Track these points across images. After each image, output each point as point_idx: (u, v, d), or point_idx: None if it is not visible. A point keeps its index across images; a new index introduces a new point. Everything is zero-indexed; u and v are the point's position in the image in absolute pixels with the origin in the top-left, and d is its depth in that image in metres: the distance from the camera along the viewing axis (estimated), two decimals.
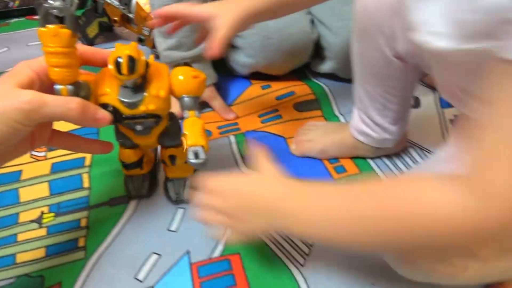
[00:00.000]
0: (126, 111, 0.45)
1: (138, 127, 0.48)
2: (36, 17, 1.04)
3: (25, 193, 0.61)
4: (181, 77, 0.47)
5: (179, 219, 0.58)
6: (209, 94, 0.74)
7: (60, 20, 0.95)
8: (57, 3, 0.87)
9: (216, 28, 0.50)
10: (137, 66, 0.41)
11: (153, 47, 0.84)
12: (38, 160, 0.67)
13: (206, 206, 0.44)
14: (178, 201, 0.58)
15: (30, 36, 0.97)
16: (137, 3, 0.77)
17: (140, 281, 0.50)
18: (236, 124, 0.73)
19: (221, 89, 0.80)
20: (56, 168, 0.65)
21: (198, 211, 0.45)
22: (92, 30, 0.90)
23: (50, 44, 0.38)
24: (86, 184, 0.63)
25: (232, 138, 0.70)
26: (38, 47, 0.90)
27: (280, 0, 0.53)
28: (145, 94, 0.44)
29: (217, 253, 0.53)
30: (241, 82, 0.82)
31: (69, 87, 0.40)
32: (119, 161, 0.56)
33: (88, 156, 0.67)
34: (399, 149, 0.66)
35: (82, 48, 0.44)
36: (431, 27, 0.30)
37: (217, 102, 0.75)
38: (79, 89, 0.41)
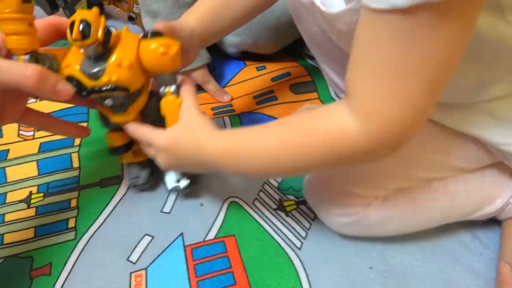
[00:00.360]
0: (88, 82, 0.42)
1: (108, 102, 0.44)
2: None
3: (13, 173, 0.59)
4: (149, 54, 0.42)
5: (172, 201, 0.56)
6: (201, 77, 0.72)
7: None
8: None
9: None
10: (92, 31, 0.38)
11: None
12: (26, 140, 0.65)
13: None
14: (175, 189, 0.55)
15: None
16: None
17: (133, 263, 0.49)
18: (230, 105, 0.72)
19: (215, 70, 0.78)
20: (44, 147, 0.63)
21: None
22: (81, 7, 0.87)
23: (1, 10, 0.36)
24: (75, 164, 0.61)
25: (227, 120, 0.68)
26: None
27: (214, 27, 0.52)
28: (107, 63, 0.41)
29: (211, 235, 0.52)
30: (236, 63, 0.80)
31: (25, 57, 0.38)
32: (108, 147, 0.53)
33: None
34: None
35: (58, 20, 0.42)
36: None
37: (211, 85, 0.73)
38: (39, 61, 0.39)
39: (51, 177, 0.59)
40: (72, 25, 0.38)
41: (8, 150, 0.63)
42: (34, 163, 0.61)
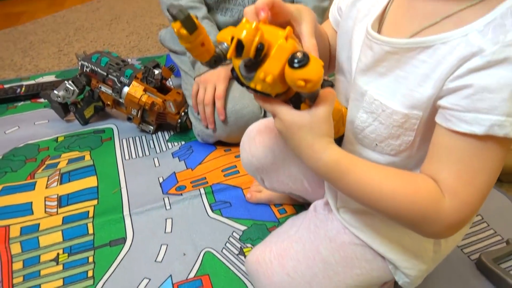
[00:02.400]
0: (242, 79, 0.45)
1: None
2: (40, 100, 1.27)
3: (44, 240, 0.80)
4: (290, 82, 0.42)
5: (163, 253, 0.77)
6: None
7: (63, 106, 1.18)
8: (61, 93, 1.12)
9: (302, 32, 0.49)
10: (245, 51, 0.40)
11: (140, 123, 1.08)
12: (51, 215, 0.86)
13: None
14: None
15: (37, 116, 1.18)
16: (128, 93, 1.01)
17: None
18: (204, 178, 0.95)
19: (193, 152, 1.03)
20: (66, 220, 0.85)
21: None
22: (89, 112, 1.12)
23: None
24: (90, 231, 0.82)
25: (202, 190, 0.92)
26: (44, 125, 1.11)
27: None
28: (255, 73, 0.43)
29: (192, 274, 0.73)
30: (209, 147, 1.06)
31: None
32: None
33: (91, 210, 0.87)
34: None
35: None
36: (382, 93, 0.47)
37: None
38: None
39: (72, 242, 0.80)
40: (232, 39, 0.41)
41: (39, 223, 0.84)
42: (60, 232, 0.82)
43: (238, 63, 0.44)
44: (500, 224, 0.83)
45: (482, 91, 0.39)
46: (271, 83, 0.43)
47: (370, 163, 0.47)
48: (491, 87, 0.38)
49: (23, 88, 1.28)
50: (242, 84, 0.46)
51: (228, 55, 0.42)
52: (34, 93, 1.26)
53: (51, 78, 1.39)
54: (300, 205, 0.87)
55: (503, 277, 0.70)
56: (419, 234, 0.47)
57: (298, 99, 0.47)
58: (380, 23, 0.49)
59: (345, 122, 0.54)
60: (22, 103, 1.26)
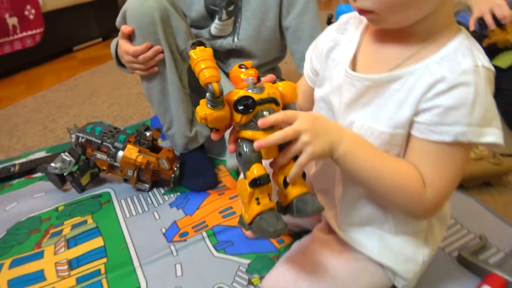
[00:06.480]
0: (256, 96, 0.56)
1: (266, 113, 0.56)
2: (34, 175, 1.32)
3: None
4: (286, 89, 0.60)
5: None
6: None
7: (60, 177, 1.25)
8: (58, 165, 1.20)
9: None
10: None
11: (136, 183, 1.16)
12: (64, 278, 0.90)
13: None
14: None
15: (34, 190, 1.22)
16: (123, 155, 1.10)
17: None
18: (204, 222, 1.03)
19: (189, 200, 1.11)
20: (80, 280, 0.89)
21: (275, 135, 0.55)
22: (85, 179, 1.18)
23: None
24: (105, 286, 0.87)
25: (204, 234, 0.99)
26: (42, 197, 1.16)
27: None
28: (263, 87, 0.57)
29: None
30: (203, 194, 1.14)
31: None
32: (249, 181, 0.56)
33: (102, 267, 0.92)
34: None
35: None
36: (369, 119, 0.60)
37: None
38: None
39: None
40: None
41: (54, 287, 0.88)
42: None
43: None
44: (472, 224, 0.94)
45: (448, 110, 0.52)
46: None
47: (378, 153, 0.59)
48: (455, 106, 0.52)
49: (17, 167, 1.33)
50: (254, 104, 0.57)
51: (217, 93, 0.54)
52: (28, 170, 1.32)
53: (42, 154, 1.45)
54: (297, 234, 0.95)
55: (481, 266, 0.79)
56: (402, 213, 0.62)
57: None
58: (353, 64, 0.63)
59: None
60: (17, 180, 1.31)
